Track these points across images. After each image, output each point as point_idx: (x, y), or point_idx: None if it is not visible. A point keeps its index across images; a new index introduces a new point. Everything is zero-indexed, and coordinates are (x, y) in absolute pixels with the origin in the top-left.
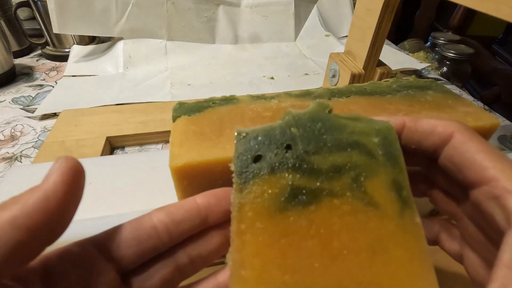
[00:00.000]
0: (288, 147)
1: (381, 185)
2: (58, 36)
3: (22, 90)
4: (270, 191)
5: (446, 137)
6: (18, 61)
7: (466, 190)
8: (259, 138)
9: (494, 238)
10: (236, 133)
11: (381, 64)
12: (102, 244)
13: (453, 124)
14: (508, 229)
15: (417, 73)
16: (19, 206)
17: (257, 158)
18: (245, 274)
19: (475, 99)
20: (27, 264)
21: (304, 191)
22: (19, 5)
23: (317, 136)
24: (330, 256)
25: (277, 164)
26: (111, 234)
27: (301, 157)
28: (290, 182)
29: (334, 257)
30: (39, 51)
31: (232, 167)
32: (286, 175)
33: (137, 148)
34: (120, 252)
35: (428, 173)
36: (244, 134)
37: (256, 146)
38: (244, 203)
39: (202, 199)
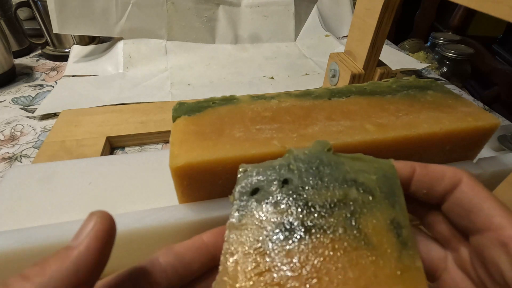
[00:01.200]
0: (285, 182)
1: (378, 224)
2: (58, 36)
3: (22, 90)
4: (262, 224)
5: (456, 181)
6: (18, 61)
7: (466, 236)
8: (260, 172)
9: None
10: (239, 168)
11: (381, 64)
12: None
13: (461, 171)
14: None
15: (417, 73)
16: (45, 280)
17: (255, 191)
18: None
19: (475, 99)
20: None
21: (296, 225)
22: (19, 5)
23: (314, 173)
24: None
25: (272, 198)
26: (121, 281)
27: (297, 192)
28: (283, 216)
29: None
30: (39, 51)
31: (231, 198)
32: (280, 208)
33: (137, 148)
34: None
35: (422, 221)
36: (246, 168)
37: (256, 180)
38: (236, 233)
39: (209, 238)
